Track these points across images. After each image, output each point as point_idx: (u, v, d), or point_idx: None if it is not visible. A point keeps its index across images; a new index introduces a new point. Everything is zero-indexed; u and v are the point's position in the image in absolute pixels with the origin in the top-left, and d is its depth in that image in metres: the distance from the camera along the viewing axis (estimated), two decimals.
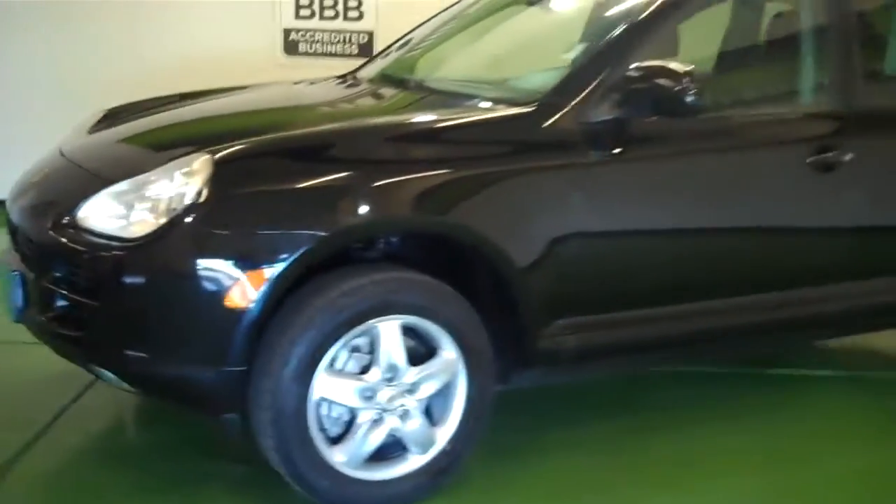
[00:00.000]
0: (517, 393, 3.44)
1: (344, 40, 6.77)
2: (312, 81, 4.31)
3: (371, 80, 4.12)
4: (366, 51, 6.56)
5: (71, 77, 6.50)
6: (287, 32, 6.77)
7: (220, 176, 2.87)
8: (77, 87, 6.33)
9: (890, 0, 4.16)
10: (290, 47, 6.77)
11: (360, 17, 6.75)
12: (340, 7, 6.75)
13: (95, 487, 3.22)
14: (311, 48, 6.78)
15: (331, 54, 6.76)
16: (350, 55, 6.68)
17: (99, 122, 3.88)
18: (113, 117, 3.90)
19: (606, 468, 3.43)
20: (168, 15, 6.62)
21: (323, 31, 6.78)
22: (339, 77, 4.35)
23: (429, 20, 4.55)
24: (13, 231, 3.39)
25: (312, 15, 6.77)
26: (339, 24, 6.76)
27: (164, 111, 3.87)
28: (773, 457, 3.55)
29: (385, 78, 4.09)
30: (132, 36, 6.54)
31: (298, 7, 6.75)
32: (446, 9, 4.53)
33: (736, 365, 4.39)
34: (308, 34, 6.78)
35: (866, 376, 4.38)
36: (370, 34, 6.70)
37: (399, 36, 4.55)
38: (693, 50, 3.92)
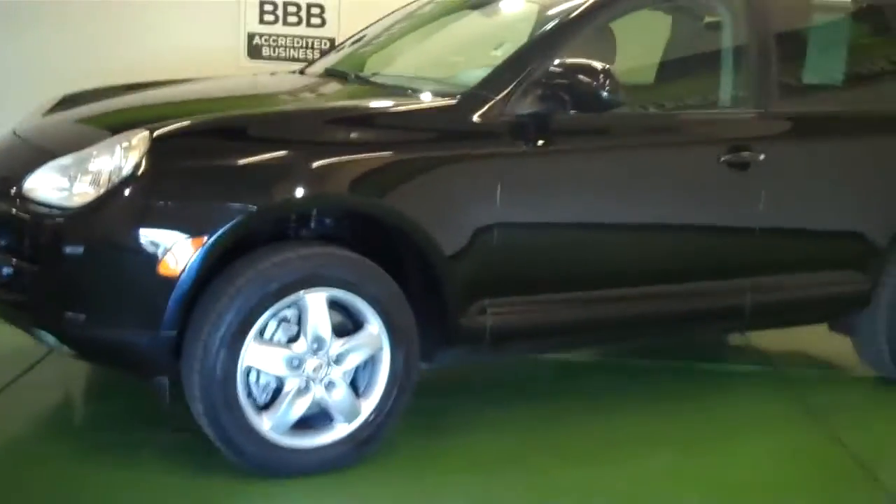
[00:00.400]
0: (450, 379, 3.61)
1: (306, 45, 6.92)
2: (259, 74, 4.50)
3: (319, 75, 4.31)
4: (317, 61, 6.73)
5: (37, 75, 6.64)
6: (251, 37, 6.92)
7: (158, 151, 3.04)
8: (43, 85, 6.46)
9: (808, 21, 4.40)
10: (254, 51, 6.92)
11: (323, 23, 6.91)
12: (303, 13, 6.91)
13: (36, 456, 3.35)
14: (274, 52, 6.92)
15: (293, 59, 6.90)
16: (313, 60, 6.84)
17: (54, 106, 4.04)
18: (69, 102, 4.06)
19: (528, 446, 3.60)
20: (133, 17, 6.76)
21: (286, 36, 6.93)
22: (289, 72, 4.53)
23: (379, 20, 4.75)
24: None
25: (276, 20, 6.92)
26: (302, 29, 6.92)
27: (117, 97, 4.04)
28: (686, 441, 3.73)
29: (331, 73, 4.28)
30: (96, 37, 6.69)
31: (262, 12, 6.90)
32: (396, 10, 4.73)
33: (660, 358, 4.59)
34: (271, 39, 6.94)
35: (788, 372, 4.58)
36: (332, 40, 6.86)
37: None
38: (633, 53, 4.15)
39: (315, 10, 6.91)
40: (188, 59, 6.31)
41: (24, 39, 6.75)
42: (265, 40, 6.94)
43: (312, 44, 6.94)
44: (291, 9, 6.91)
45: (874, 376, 4.50)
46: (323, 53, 6.75)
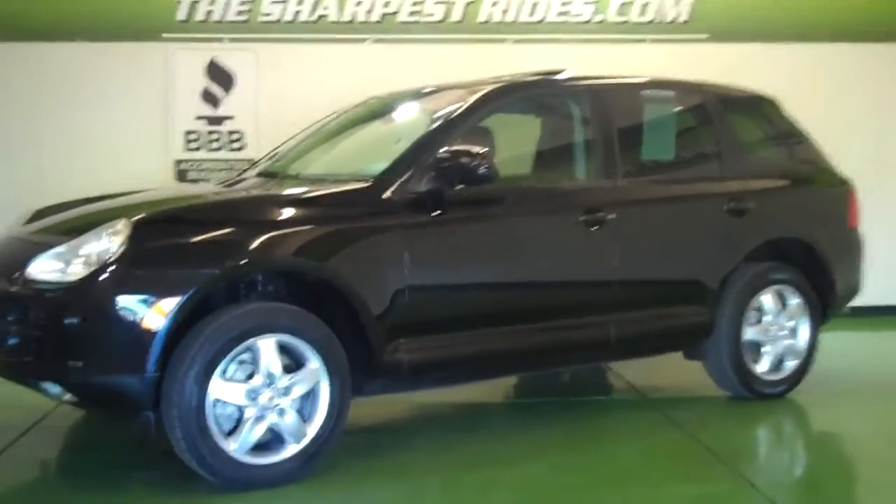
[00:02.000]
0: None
1: (229, 168, 7.86)
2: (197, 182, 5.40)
3: (253, 178, 5.24)
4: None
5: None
6: (178, 162, 7.85)
7: (137, 234, 3.89)
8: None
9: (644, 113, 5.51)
10: (181, 175, 7.83)
11: (242, 147, 7.88)
12: (224, 140, 7.88)
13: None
14: (199, 175, 7.85)
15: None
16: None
17: (31, 217, 4.88)
18: (40, 214, 4.90)
19: (443, 461, 4.43)
20: (74, 149, 7.69)
21: (210, 160, 7.88)
22: (221, 182, 5.43)
23: (294, 136, 5.72)
24: None
25: (199, 147, 7.87)
26: (224, 154, 7.88)
27: (80, 207, 4.89)
28: (571, 448, 4.61)
29: (263, 174, 5.21)
30: (47, 167, 7.58)
31: (187, 141, 7.85)
32: (308, 127, 5.72)
33: (547, 396, 5.59)
34: (196, 163, 7.87)
35: (653, 396, 5.55)
36: (251, 161, 7.82)
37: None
38: (511, 141, 5.23)
39: (235, 136, 7.89)
40: (124, 183, 7.09)
41: None
42: (191, 165, 7.87)
43: (234, 165, 7.88)
44: (213, 136, 7.86)
45: (725, 395, 5.46)
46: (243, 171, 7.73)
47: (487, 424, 5.11)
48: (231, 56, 7.90)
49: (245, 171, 5.65)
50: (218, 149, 7.90)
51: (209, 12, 7.91)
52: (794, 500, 4.00)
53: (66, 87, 7.76)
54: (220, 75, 7.88)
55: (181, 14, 7.88)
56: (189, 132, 7.86)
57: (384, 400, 4.73)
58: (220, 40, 7.90)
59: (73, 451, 4.78)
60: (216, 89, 7.88)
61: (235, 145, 7.90)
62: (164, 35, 7.84)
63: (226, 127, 7.89)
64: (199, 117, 7.87)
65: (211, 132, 7.88)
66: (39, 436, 4.80)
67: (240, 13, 7.93)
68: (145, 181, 7.30)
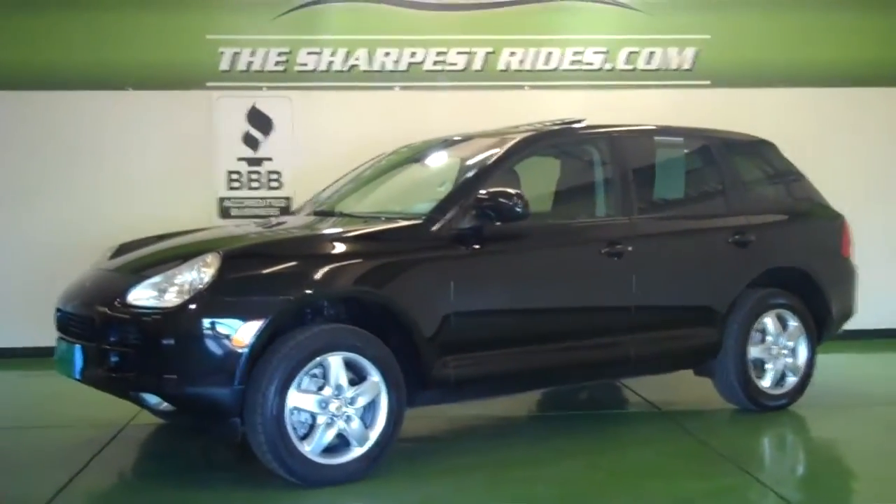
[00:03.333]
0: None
1: (267, 205, 8.51)
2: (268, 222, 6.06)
3: (308, 215, 5.87)
4: (285, 212, 8.33)
5: (54, 239, 8.16)
6: (221, 200, 8.50)
7: (226, 266, 4.53)
8: (61, 247, 8.01)
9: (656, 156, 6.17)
10: (224, 212, 8.48)
11: (280, 186, 8.53)
12: (264, 179, 8.53)
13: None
14: (240, 212, 8.49)
15: (257, 216, 8.48)
16: (272, 216, 8.41)
17: (115, 252, 5.52)
18: (124, 249, 5.54)
19: (482, 462, 5.03)
20: (127, 189, 8.35)
21: (250, 198, 8.53)
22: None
23: (338, 180, 6.37)
24: (63, 322, 4.96)
25: (241, 186, 8.52)
26: (264, 192, 8.53)
27: (157, 243, 5.53)
28: (596, 452, 5.21)
29: (319, 213, 5.84)
30: (99, 207, 8.26)
31: (230, 180, 8.50)
32: (351, 171, 6.37)
33: (573, 410, 6.19)
34: (238, 201, 8.52)
35: (668, 409, 6.15)
36: (288, 199, 8.48)
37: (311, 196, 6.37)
38: (538, 183, 5.85)
39: (274, 176, 8.53)
40: (172, 220, 7.67)
41: (36, 212, 8.25)
42: (233, 202, 8.51)
43: (272, 203, 8.53)
44: (254, 176, 8.50)
45: (732, 408, 6.07)
46: (281, 211, 8.38)
47: (519, 433, 5.74)
48: (269, 102, 8.56)
49: (290, 210, 6.26)
50: (258, 188, 8.54)
51: (250, 63, 8.57)
52: (795, 492, 4.58)
53: (118, 132, 8.44)
54: (260, 120, 8.54)
55: (224, 64, 8.54)
56: (231, 172, 8.50)
57: (426, 413, 5.36)
58: (259, 88, 8.56)
59: (153, 459, 5.39)
60: (256, 133, 8.54)
61: (273, 184, 8.55)
62: (209, 84, 8.51)
63: (265, 167, 8.53)
64: (241, 158, 8.53)
65: (251, 172, 8.52)
66: (119, 447, 5.40)
67: (277, 63, 8.59)
68: (192, 217, 7.99)
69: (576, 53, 8.79)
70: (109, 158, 8.41)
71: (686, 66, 8.83)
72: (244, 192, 8.54)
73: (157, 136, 8.48)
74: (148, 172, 8.42)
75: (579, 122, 5.92)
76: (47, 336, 5.25)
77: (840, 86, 8.91)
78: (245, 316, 4.47)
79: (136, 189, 8.39)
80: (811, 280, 6.24)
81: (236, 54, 8.55)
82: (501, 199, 5.00)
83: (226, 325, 4.45)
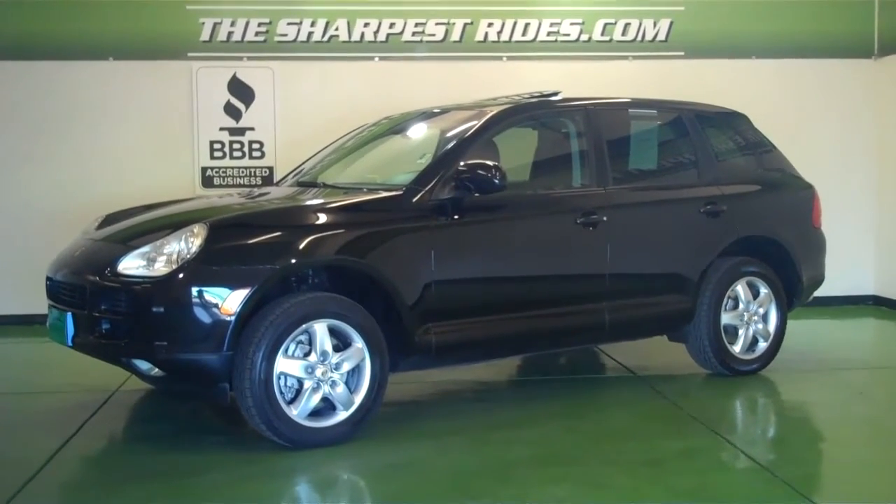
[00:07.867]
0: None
1: (250, 174, 8.62)
2: (255, 192, 6.17)
3: (291, 186, 6.00)
4: (267, 181, 8.45)
5: (40, 207, 8.25)
6: (204, 170, 8.59)
7: (213, 236, 4.65)
8: (48, 215, 8.11)
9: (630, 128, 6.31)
10: (207, 181, 8.57)
11: (263, 155, 8.63)
12: (246, 149, 8.63)
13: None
14: (223, 181, 8.59)
15: (239, 185, 8.59)
16: (255, 186, 8.53)
17: (103, 222, 5.62)
18: (111, 219, 5.65)
19: (471, 423, 5.21)
20: (110, 159, 8.44)
21: (233, 167, 8.63)
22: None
23: (320, 151, 6.49)
24: (54, 291, 5.08)
25: (224, 155, 8.62)
26: (246, 161, 8.63)
27: (145, 213, 5.63)
28: (575, 415, 5.40)
29: (303, 184, 5.96)
30: (84, 176, 8.35)
31: (212, 150, 8.60)
32: (331, 143, 6.49)
33: (552, 375, 6.34)
34: (220, 170, 8.62)
35: (642, 373, 6.35)
36: (270, 168, 8.59)
37: (294, 167, 6.47)
38: (515, 155, 5.98)
39: (256, 146, 8.63)
40: (156, 190, 7.78)
41: (21, 181, 8.33)
42: (216, 172, 8.61)
43: (255, 172, 8.64)
44: (236, 145, 8.60)
45: (705, 372, 6.27)
46: (264, 180, 8.49)
47: (500, 398, 5.91)
48: (251, 73, 8.64)
49: (278, 182, 6.38)
50: (240, 157, 8.63)
51: (230, 33, 8.63)
52: (765, 453, 4.75)
53: (100, 102, 8.51)
54: (241, 90, 8.63)
55: (205, 35, 8.60)
56: (213, 142, 8.60)
57: (408, 379, 5.55)
58: (240, 59, 8.63)
59: (144, 422, 5.52)
60: (237, 103, 8.62)
61: (256, 154, 8.64)
62: (190, 54, 8.57)
63: (247, 137, 8.63)
64: (223, 128, 8.62)
65: (233, 142, 8.61)
66: (110, 412, 5.56)
67: (258, 34, 8.66)
68: (175, 186, 8.13)
69: (553, 25, 8.89)
70: (91, 129, 8.49)
71: (661, 38, 8.96)
72: (227, 162, 8.63)
73: (139, 106, 8.55)
74: (130, 142, 8.51)
75: (555, 94, 6.05)
76: (32, 304, 5.35)
77: (813, 57, 9.08)
78: (232, 284, 4.60)
79: (118, 159, 8.49)
80: (782, 249, 6.42)
81: (217, 24, 8.60)
82: (480, 172, 5.13)
83: (213, 294, 4.58)
